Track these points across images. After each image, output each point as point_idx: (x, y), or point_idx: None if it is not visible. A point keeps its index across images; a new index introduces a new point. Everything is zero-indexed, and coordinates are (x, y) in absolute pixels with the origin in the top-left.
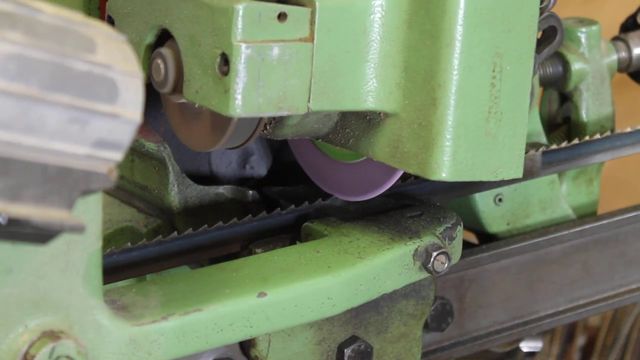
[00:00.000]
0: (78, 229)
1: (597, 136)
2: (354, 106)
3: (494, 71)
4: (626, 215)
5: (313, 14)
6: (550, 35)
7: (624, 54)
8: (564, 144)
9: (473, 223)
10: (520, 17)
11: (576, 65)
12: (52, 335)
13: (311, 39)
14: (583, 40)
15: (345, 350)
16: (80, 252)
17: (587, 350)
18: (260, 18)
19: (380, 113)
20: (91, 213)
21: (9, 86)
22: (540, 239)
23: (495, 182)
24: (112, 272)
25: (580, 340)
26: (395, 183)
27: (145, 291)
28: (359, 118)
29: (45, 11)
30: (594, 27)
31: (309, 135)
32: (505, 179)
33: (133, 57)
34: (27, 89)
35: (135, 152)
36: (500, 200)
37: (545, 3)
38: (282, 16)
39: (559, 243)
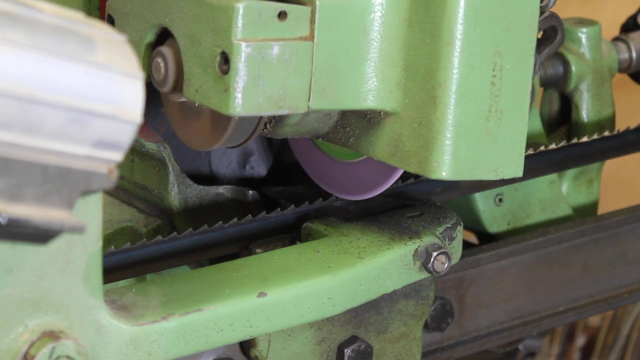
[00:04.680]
0: (78, 229)
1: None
2: (354, 105)
3: (494, 70)
4: (626, 215)
5: (313, 12)
6: (551, 35)
7: (624, 55)
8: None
9: (473, 223)
10: (520, 16)
11: (576, 66)
12: (52, 335)
13: (311, 37)
14: (584, 40)
15: (345, 350)
16: (80, 252)
17: (587, 350)
18: (261, 17)
19: (380, 112)
20: (91, 213)
21: (9, 86)
22: (540, 239)
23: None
24: (112, 271)
25: (580, 340)
26: (397, 184)
27: (145, 291)
28: (359, 117)
29: (46, 11)
30: (594, 28)
31: (309, 134)
32: (506, 177)
33: (133, 57)
34: (27, 89)
35: (135, 152)
36: (500, 200)
37: (545, 2)
38: (282, 15)
39: (559, 243)
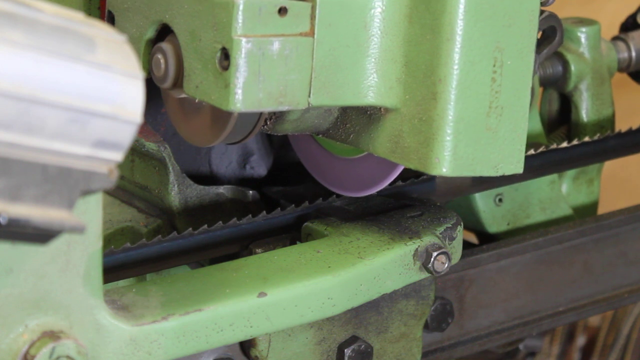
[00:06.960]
0: (78, 229)
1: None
2: (355, 101)
3: (494, 66)
4: (626, 215)
5: (313, 8)
6: (550, 35)
7: (624, 54)
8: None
9: (473, 223)
10: (520, 12)
11: (576, 65)
12: (52, 335)
13: (312, 33)
14: (583, 40)
15: (345, 350)
16: (81, 252)
17: (587, 350)
18: (261, 12)
19: (380, 108)
20: (91, 213)
21: (9, 86)
22: (540, 239)
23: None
24: (112, 271)
25: (580, 340)
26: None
27: (145, 291)
28: (359, 113)
29: (46, 11)
30: (594, 27)
31: (310, 131)
32: (506, 173)
33: (133, 57)
34: (27, 89)
35: (135, 152)
36: (500, 200)
37: None
38: (282, 11)
39: (559, 243)
